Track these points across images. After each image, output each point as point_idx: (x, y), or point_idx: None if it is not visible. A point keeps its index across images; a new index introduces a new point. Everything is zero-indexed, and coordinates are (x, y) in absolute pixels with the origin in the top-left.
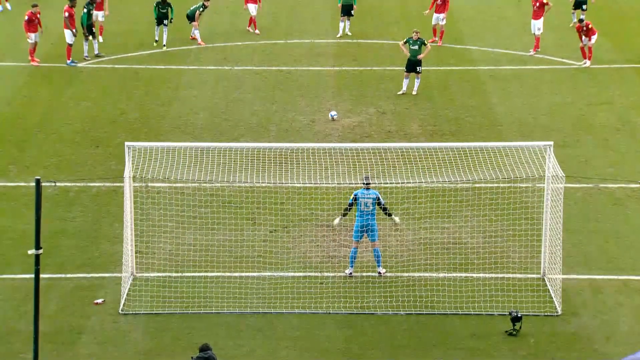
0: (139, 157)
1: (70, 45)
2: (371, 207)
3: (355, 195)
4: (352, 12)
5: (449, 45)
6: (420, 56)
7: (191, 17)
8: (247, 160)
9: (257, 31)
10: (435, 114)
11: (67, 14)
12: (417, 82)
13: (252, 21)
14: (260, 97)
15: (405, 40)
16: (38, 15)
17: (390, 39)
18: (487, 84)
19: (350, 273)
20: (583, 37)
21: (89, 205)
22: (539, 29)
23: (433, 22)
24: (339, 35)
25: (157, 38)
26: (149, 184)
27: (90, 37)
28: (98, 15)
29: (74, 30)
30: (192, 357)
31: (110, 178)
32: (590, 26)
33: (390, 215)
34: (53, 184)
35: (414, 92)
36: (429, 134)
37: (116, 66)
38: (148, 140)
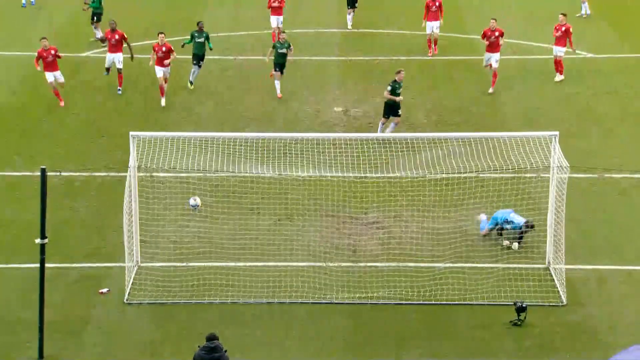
0: (143, 147)
1: (106, 70)
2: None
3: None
4: (356, 3)
5: (453, 35)
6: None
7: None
8: (251, 150)
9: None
10: (440, 104)
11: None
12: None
13: (275, 36)
14: (265, 87)
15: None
16: (52, 52)
17: (395, 28)
18: (491, 73)
19: None
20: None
21: (94, 195)
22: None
23: (427, 32)
24: (350, 27)
25: (191, 79)
26: (154, 174)
27: (95, 26)
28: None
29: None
30: (198, 346)
31: (115, 168)
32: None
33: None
34: (58, 173)
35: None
36: (434, 124)
37: None
38: (153, 130)
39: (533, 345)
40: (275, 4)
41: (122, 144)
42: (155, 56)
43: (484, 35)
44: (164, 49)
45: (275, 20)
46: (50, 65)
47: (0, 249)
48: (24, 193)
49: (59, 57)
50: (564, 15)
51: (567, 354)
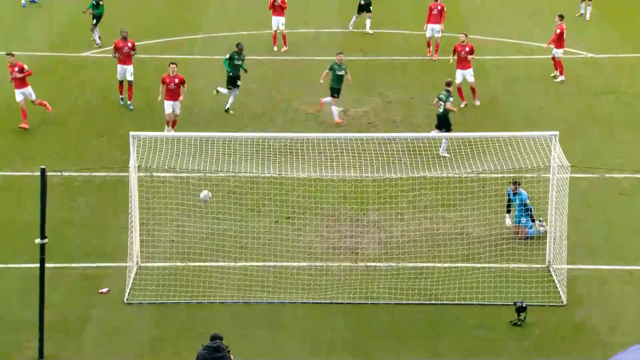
0: (143, 147)
1: (120, 82)
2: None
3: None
4: (370, 7)
5: (454, 34)
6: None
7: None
8: (251, 150)
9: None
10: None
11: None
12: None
13: (276, 38)
14: (265, 87)
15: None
16: (16, 69)
17: (397, 28)
18: (492, 73)
19: None
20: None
21: (94, 195)
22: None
23: (427, 35)
24: (350, 28)
25: (228, 106)
26: (154, 174)
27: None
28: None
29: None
30: (202, 345)
31: (115, 168)
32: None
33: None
34: (58, 173)
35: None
36: (435, 123)
37: None
38: (153, 130)
39: (533, 345)
40: (277, 3)
41: (122, 144)
42: (164, 89)
43: (455, 51)
44: (176, 80)
45: (276, 22)
46: (17, 83)
47: (0, 249)
48: (24, 193)
49: (27, 74)
50: (560, 17)
51: (567, 354)
